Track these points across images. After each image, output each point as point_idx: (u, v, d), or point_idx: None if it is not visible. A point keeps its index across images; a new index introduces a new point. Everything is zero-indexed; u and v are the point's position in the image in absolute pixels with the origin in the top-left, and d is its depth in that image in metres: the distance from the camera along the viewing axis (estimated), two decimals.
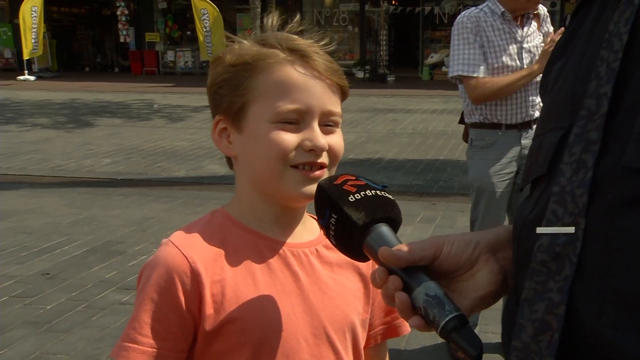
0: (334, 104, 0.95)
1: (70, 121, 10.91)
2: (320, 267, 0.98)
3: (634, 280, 0.52)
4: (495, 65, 2.88)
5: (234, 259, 0.93)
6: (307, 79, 0.92)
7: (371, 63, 18.19)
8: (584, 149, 0.59)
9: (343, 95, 0.98)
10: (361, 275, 1.02)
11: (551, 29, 3.12)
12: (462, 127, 3.31)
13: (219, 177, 6.77)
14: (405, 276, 0.72)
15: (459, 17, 2.99)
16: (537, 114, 2.95)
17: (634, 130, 0.55)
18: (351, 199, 0.78)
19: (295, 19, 1.00)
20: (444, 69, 17.11)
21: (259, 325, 0.91)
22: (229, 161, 1.01)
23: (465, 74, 2.87)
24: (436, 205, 5.71)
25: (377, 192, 0.80)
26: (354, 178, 0.82)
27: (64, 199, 6.01)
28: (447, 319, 0.68)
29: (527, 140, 2.95)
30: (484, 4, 2.96)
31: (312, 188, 0.92)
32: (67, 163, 7.67)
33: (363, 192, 0.79)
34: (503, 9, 2.89)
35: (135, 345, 0.88)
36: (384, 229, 0.77)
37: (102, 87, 15.99)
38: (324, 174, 0.94)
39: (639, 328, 0.52)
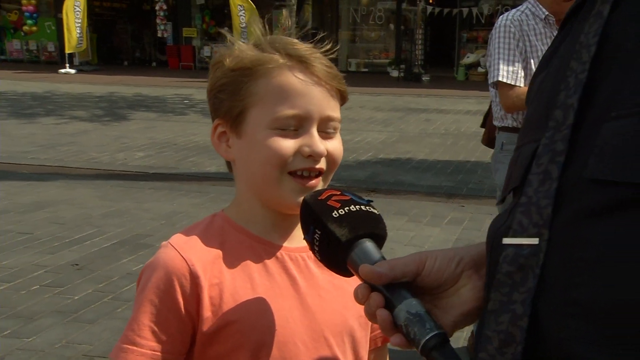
0: (332, 109, 0.95)
1: (107, 114, 11.13)
2: (318, 272, 0.98)
3: (595, 291, 0.52)
4: (532, 68, 2.79)
5: (232, 262, 0.94)
6: (306, 84, 0.93)
7: (406, 62, 18.08)
8: (551, 159, 0.59)
9: (342, 100, 0.98)
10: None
11: None
12: None
13: None
14: (387, 293, 0.72)
15: (500, 19, 2.88)
16: None
17: (596, 143, 0.55)
18: (335, 214, 0.78)
19: (307, 26, 1.01)
20: (479, 69, 16.91)
21: (256, 328, 0.91)
22: (229, 165, 1.02)
23: (506, 80, 2.77)
24: (465, 207, 5.66)
25: (362, 207, 0.80)
26: (339, 193, 0.82)
27: (97, 191, 6.14)
28: (427, 337, 0.68)
29: None
30: (524, 6, 2.85)
31: None
32: (101, 156, 7.82)
33: (347, 208, 0.79)
34: (547, 13, 2.79)
35: (134, 347, 0.89)
36: (368, 244, 0.77)
37: (139, 81, 16.26)
38: (319, 183, 0.95)
39: (601, 340, 0.51)
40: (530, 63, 2.80)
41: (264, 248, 0.96)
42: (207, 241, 0.95)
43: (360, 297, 0.74)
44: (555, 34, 2.78)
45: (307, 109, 0.92)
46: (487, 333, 0.59)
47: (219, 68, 0.97)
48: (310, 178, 0.94)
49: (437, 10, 17.84)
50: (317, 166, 0.93)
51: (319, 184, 0.94)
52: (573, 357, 0.53)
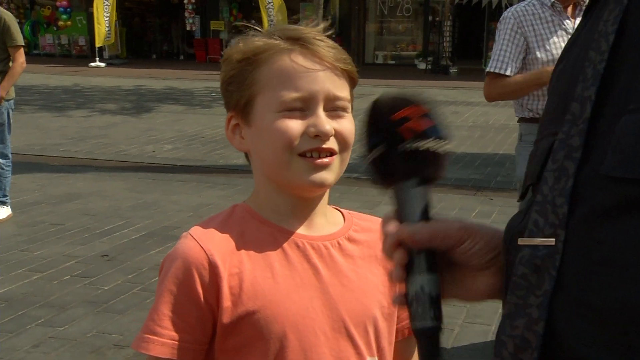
0: (338, 89, 0.94)
1: (135, 107, 11.26)
2: (341, 260, 0.97)
3: (612, 295, 0.50)
4: (545, 59, 2.78)
5: (252, 252, 0.94)
6: (308, 65, 0.92)
7: (434, 54, 17.92)
8: (566, 155, 0.56)
9: (351, 81, 0.97)
10: (386, 268, 1.00)
11: None
12: None
13: None
14: (414, 255, 0.69)
15: (505, 12, 2.93)
16: None
17: (613, 137, 0.52)
18: (400, 147, 0.70)
19: (334, 18, 1.00)
20: None
21: (276, 318, 0.91)
22: (247, 157, 1.02)
23: (492, 70, 2.83)
24: (493, 200, 5.60)
25: (431, 146, 0.70)
26: (416, 115, 0.71)
27: (126, 183, 6.23)
28: (425, 324, 0.67)
29: None
30: None
31: (321, 176, 0.92)
32: (130, 148, 7.93)
33: (415, 144, 0.70)
34: (552, 0, 2.79)
35: (155, 337, 0.90)
36: (417, 191, 0.70)
37: (167, 74, 16.41)
38: (334, 160, 0.93)
39: (617, 346, 0.49)
40: (536, 54, 2.79)
41: (284, 237, 0.96)
42: (227, 231, 0.95)
43: (387, 247, 0.70)
44: (564, 21, 2.72)
45: (310, 90, 0.92)
46: (502, 338, 0.57)
47: (228, 62, 0.98)
48: (320, 158, 0.93)
49: (465, 1, 17.64)
50: (325, 146, 0.92)
51: (332, 162, 0.93)
52: None
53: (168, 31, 22.39)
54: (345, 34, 17.96)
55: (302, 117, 0.92)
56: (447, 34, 17.80)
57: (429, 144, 0.70)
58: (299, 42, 0.94)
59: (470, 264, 0.69)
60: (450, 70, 16.96)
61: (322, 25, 0.97)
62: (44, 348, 3.12)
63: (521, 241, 0.57)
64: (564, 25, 2.79)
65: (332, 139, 0.92)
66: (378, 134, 0.72)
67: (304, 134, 0.91)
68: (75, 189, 5.98)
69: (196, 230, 0.96)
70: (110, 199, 5.67)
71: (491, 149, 7.74)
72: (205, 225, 0.97)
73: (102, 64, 18.13)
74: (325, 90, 0.92)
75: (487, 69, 2.88)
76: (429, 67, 17.36)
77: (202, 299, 0.90)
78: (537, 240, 0.55)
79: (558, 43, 2.78)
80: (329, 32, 0.97)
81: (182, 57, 21.55)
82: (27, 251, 4.38)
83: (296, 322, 0.92)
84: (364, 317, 0.97)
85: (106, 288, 3.82)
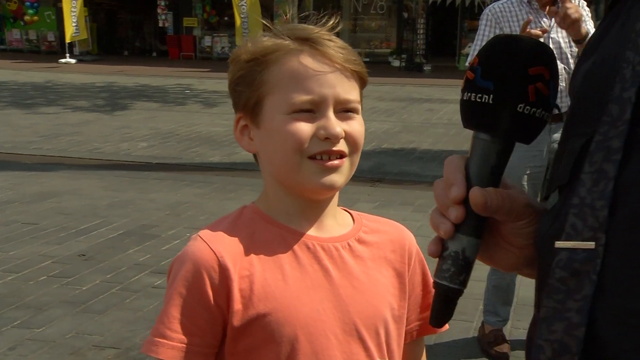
0: (348, 91, 0.93)
1: (108, 104, 11.10)
2: (352, 262, 0.97)
3: None
4: None
5: (262, 254, 0.93)
6: (318, 67, 0.91)
7: (407, 52, 18.01)
8: (605, 157, 0.55)
9: (361, 82, 0.96)
10: (395, 270, 1.01)
11: (591, 28, 3.02)
12: None
13: (253, 164, 6.68)
14: (468, 215, 0.65)
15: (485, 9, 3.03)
16: (564, 109, 2.87)
17: None
18: (519, 108, 0.63)
19: (309, 16, 0.99)
20: None
21: (287, 321, 0.90)
22: (256, 158, 1.01)
23: (468, 65, 2.87)
24: None
25: (538, 112, 0.65)
26: (548, 78, 0.65)
27: (102, 182, 6.13)
28: (451, 285, 0.67)
29: (557, 134, 2.88)
30: None
31: (331, 178, 0.91)
32: (104, 146, 7.81)
33: (534, 109, 0.64)
34: None
35: (165, 340, 0.89)
36: (502, 151, 0.66)
37: (140, 71, 16.21)
38: (343, 163, 0.93)
39: None
40: None
41: (294, 238, 0.95)
42: (236, 233, 0.94)
43: (454, 195, 0.65)
44: (541, 19, 2.76)
45: (320, 93, 0.91)
46: (538, 342, 0.56)
47: (237, 63, 0.97)
48: (330, 160, 0.92)
49: (439, 0, 17.78)
50: (335, 148, 0.91)
51: (342, 164, 0.93)
52: None
53: (140, 27, 22.11)
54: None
55: (312, 119, 0.91)
56: (421, 31, 17.92)
57: (543, 112, 0.65)
58: (309, 43, 0.93)
59: (514, 240, 0.69)
60: (424, 68, 17.07)
61: (330, 23, 0.95)
62: (21, 350, 3.05)
63: (558, 244, 0.56)
64: (540, 23, 2.83)
65: (342, 141, 0.92)
66: (496, 78, 0.63)
67: (314, 136, 0.91)
68: (49, 188, 5.86)
69: (205, 232, 0.94)
70: (86, 198, 5.57)
71: (467, 147, 7.72)
72: (214, 227, 0.95)
73: (73, 60, 17.82)
74: (335, 93, 0.91)
75: (466, 64, 2.99)
76: (403, 64, 17.44)
77: (212, 301, 0.89)
78: (576, 244, 0.54)
79: None
80: (338, 29, 0.96)
81: (154, 54, 21.30)
82: (1, 251, 4.28)
83: (307, 325, 0.91)
84: (375, 319, 0.96)
85: (84, 288, 3.75)
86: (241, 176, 6.36)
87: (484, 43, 2.81)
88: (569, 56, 2.89)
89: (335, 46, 0.93)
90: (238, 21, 15.86)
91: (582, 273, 0.54)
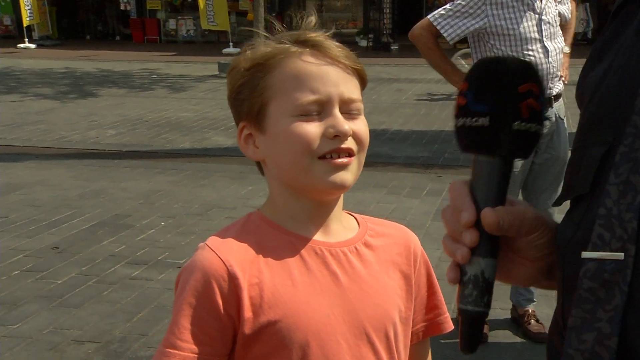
0: (352, 91, 0.94)
1: (73, 91, 10.85)
2: (360, 266, 0.97)
3: None
4: (513, 37, 2.81)
5: (271, 261, 0.93)
6: (321, 66, 0.92)
7: (374, 31, 17.98)
8: (633, 170, 0.56)
9: (362, 81, 0.97)
10: (402, 272, 1.02)
11: (568, 3, 3.04)
12: None
13: (225, 149, 6.76)
14: (482, 237, 0.66)
15: None
16: (555, 91, 2.90)
17: None
18: (515, 126, 0.65)
19: (308, 20, 0.99)
20: None
21: (298, 327, 0.90)
22: (260, 167, 1.00)
23: (434, 23, 2.87)
24: (442, 178, 5.71)
25: (532, 127, 0.66)
26: (537, 92, 0.66)
27: (71, 171, 6.01)
28: (477, 308, 0.67)
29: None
30: None
31: (341, 176, 0.91)
32: (72, 134, 7.65)
33: (529, 124, 0.66)
34: None
35: (176, 351, 0.88)
36: (503, 170, 0.68)
37: (103, 55, 15.86)
38: (352, 161, 0.93)
39: None
40: (506, 29, 2.80)
41: (302, 244, 0.95)
42: (244, 240, 0.93)
43: (465, 219, 0.66)
44: (534, 2, 2.72)
45: (326, 92, 0.91)
46: (568, 351, 0.57)
47: (236, 72, 0.96)
48: (340, 158, 0.92)
49: None
50: (345, 146, 0.91)
51: (351, 162, 0.93)
52: None
53: (102, 10, 21.58)
54: (285, 12, 17.77)
55: (318, 120, 0.91)
56: (387, 10, 17.87)
57: (537, 126, 0.67)
58: (309, 44, 0.93)
59: (527, 254, 0.70)
60: (392, 47, 17.07)
61: (326, 31, 0.96)
62: None
63: (585, 254, 0.57)
64: (531, 4, 2.80)
65: (350, 139, 0.92)
66: (489, 101, 0.65)
67: (323, 135, 0.91)
68: (17, 179, 5.73)
69: (213, 241, 0.94)
70: (56, 189, 5.46)
71: (437, 126, 7.86)
72: (221, 235, 0.95)
73: (33, 45, 17.34)
74: (339, 91, 0.92)
75: (431, 17, 2.90)
76: (370, 44, 17.42)
77: (222, 310, 0.89)
78: (605, 255, 0.55)
79: (525, 22, 2.79)
80: (331, 32, 0.97)
81: (118, 38, 20.83)
82: None
83: (318, 330, 0.91)
84: (384, 322, 0.97)
85: (59, 282, 3.70)
86: (213, 162, 6.31)
87: (462, 16, 2.80)
88: (560, 34, 2.91)
89: (335, 45, 0.94)
90: (202, 3, 15.59)
91: (612, 283, 0.55)
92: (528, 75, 0.66)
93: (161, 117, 8.61)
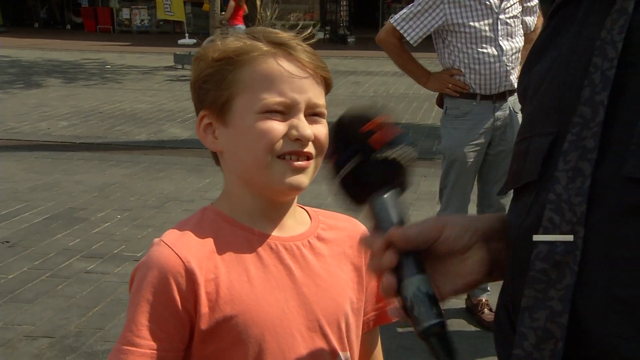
0: (318, 97, 0.96)
1: (20, 80, 10.53)
2: (313, 260, 0.98)
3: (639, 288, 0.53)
4: (468, 34, 2.87)
5: (227, 256, 0.93)
6: (293, 72, 0.93)
7: (331, 24, 18.01)
8: (581, 156, 0.58)
9: (327, 88, 0.99)
10: (354, 264, 1.04)
11: (535, 15, 3.07)
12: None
13: (181, 141, 6.68)
14: (403, 259, 0.70)
15: None
16: (509, 87, 2.96)
17: (633, 140, 0.55)
18: (374, 157, 0.75)
19: (293, 16, 1.00)
20: None
21: (254, 322, 0.91)
22: (215, 157, 1.00)
23: (397, 26, 2.95)
24: (415, 171, 5.76)
25: (399, 155, 0.76)
26: (381, 128, 0.77)
27: (21, 164, 5.85)
28: (432, 322, 0.68)
29: (501, 112, 2.97)
30: None
31: (298, 179, 0.93)
32: (21, 125, 7.43)
33: (385, 154, 0.76)
34: None
35: (134, 348, 0.88)
36: (391, 199, 0.75)
37: (53, 44, 15.43)
38: (310, 165, 0.95)
39: None
40: (461, 27, 2.87)
41: (257, 239, 0.96)
42: (200, 236, 0.93)
43: (376, 248, 0.72)
44: (482, 5, 2.76)
45: (293, 97, 0.93)
46: (522, 330, 0.59)
47: (203, 60, 0.96)
48: (299, 160, 0.94)
49: None
50: (305, 150, 0.93)
51: (309, 166, 0.95)
52: (615, 353, 0.54)
53: None
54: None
55: (283, 119, 0.92)
56: (344, 2, 17.93)
57: (397, 152, 0.76)
58: (282, 47, 0.94)
59: (454, 250, 0.72)
60: (348, 40, 17.15)
61: (305, 34, 0.97)
62: None
63: (536, 237, 0.59)
64: (489, 4, 2.85)
65: (310, 143, 0.93)
66: (348, 149, 0.77)
67: (285, 136, 0.92)
68: None
69: (169, 237, 0.93)
70: (6, 181, 5.30)
71: (394, 119, 7.93)
72: (177, 230, 0.95)
73: None
74: (306, 98, 0.93)
75: (393, 21, 2.97)
76: (327, 36, 17.45)
77: (180, 307, 0.89)
78: (555, 237, 0.58)
79: (480, 22, 2.85)
80: (313, 40, 0.98)
81: (68, 27, 20.29)
82: None
83: (274, 325, 0.92)
84: (337, 315, 0.99)
85: (10, 277, 3.60)
86: (169, 154, 6.23)
87: (422, 17, 2.85)
88: (519, 34, 2.97)
89: (306, 52, 0.95)
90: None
91: (563, 264, 0.58)
92: (366, 118, 0.78)
93: (115, 108, 8.45)
